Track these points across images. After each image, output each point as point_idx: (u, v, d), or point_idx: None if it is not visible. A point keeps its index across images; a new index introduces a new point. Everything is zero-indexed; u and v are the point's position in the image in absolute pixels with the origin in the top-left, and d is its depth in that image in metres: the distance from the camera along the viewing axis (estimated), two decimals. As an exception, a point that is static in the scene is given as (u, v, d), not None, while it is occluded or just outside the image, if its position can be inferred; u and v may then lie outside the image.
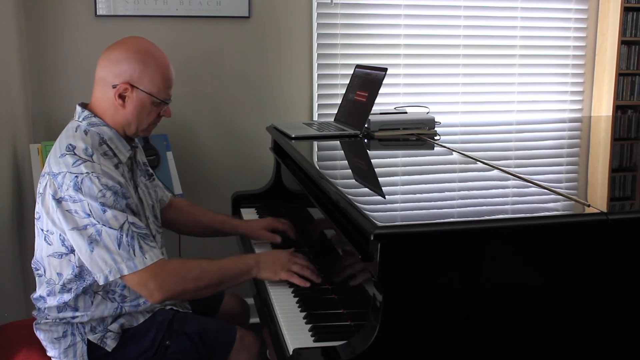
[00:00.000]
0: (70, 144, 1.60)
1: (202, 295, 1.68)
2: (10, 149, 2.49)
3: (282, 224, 2.07)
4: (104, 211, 1.54)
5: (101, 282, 1.55)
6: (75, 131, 1.65)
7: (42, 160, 2.48)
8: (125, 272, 1.54)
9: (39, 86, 2.87)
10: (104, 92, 1.67)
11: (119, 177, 1.61)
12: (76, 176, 1.54)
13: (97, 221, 1.53)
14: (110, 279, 1.55)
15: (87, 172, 1.55)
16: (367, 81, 2.35)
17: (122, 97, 1.66)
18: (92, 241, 1.53)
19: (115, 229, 1.54)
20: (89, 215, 1.53)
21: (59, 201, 1.55)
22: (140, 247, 1.55)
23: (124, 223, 1.55)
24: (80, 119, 1.68)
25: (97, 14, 2.87)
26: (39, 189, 1.63)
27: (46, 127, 2.89)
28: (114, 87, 1.65)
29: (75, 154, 1.58)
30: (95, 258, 1.54)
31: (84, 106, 1.71)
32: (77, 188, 1.54)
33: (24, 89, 2.76)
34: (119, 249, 1.53)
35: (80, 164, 1.56)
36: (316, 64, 3.17)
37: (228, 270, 1.67)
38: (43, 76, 2.88)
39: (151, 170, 1.96)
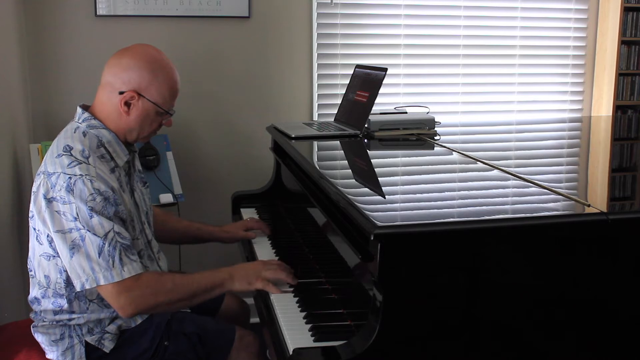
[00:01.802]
0: (68, 145, 1.60)
1: (175, 308, 1.68)
2: (10, 149, 2.49)
3: (255, 223, 2.13)
4: (91, 217, 1.53)
5: (78, 288, 1.55)
6: (74, 132, 1.64)
7: (42, 160, 2.47)
8: (102, 282, 1.53)
9: (39, 86, 2.87)
10: (109, 97, 1.67)
11: (113, 182, 1.61)
12: (69, 177, 1.54)
13: (83, 226, 1.52)
14: (87, 287, 1.54)
15: (80, 174, 1.54)
16: (367, 81, 2.35)
17: (127, 104, 1.65)
18: (74, 246, 1.53)
19: (99, 237, 1.53)
20: (75, 218, 1.52)
21: (49, 201, 1.55)
22: (120, 259, 1.54)
23: (109, 231, 1.54)
24: (80, 121, 1.68)
25: (97, 14, 2.87)
26: (33, 187, 1.63)
27: (46, 127, 2.89)
28: (121, 93, 1.65)
29: (71, 155, 1.57)
30: (74, 264, 1.53)
31: (85, 108, 1.71)
32: (69, 189, 1.53)
33: (24, 89, 2.76)
34: (99, 257, 1.53)
35: (75, 166, 1.55)
36: (316, 64, 3.17)
37: (201, 283, 1.65)
38: (43, 76, 2.88)
39: (145, 179, 1.96)
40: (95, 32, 2.89)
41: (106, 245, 1.53)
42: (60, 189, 1.54)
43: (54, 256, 1.60)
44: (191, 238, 2.13)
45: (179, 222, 2.13)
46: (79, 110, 1.70)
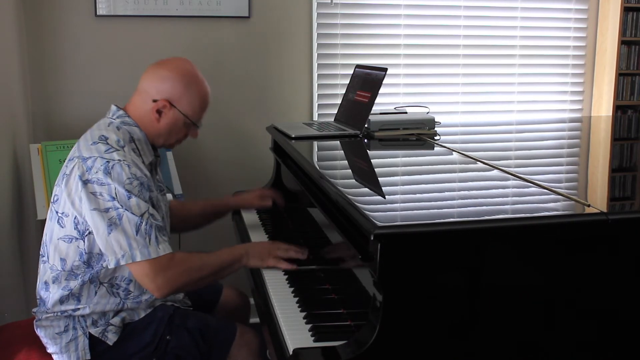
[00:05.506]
0: (103, 135, 1.67)
1: (201, 285, 1.74)
2: (10, 149, 2.49)
3: (271, 192, 2.24)
4: (129, 197, 1.59)
5: (111, 265, 1.59)
6: (108, 126, 1.72)
7: (42, 160, 2.48)
8: (138, 258, 1.57)
9: (39, 86, 2.87)
10: (144, 102, 1.76)
11: (146, 171, 1.68)
12: (107, 161, 1.61)
13: (121, 205, 1.58)
14: (122, 263, 1.58)
15: (119, 159, 1.62)
16: (367, 81, 2.35)
17: (159, 112, 1.75)
18: (112, 224, 1.57)
19: (136, 215, 1.59)
20: (113, 199, 1.58)
21: (85, 183, 1.60)
22: (156, 237, 1.61)
23: (145, 212, 1.60)
24: (113, 117, 1.76)
25: (97, 14, 2.87)
26: (65, 170, 1.68)
27: (46, 127, 2.89)
28: (154, 101, 1.74)
29: (107, 143, 1.65)
30: (111, 241, 1.57)
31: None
32: (107, 172, 1.59)
33: (24, 89, 2.76)
34: (137, 234, 1.58)
35: (112, 152, 1.63)
36: (316, 64, 3.17)
37: (224, 259, 1.73)
38: (43, 76, 2.88)
39: (163, 187, 2.00)
40: (95, 32, 2.89)
41: (143, 223, 1.59)
42: (97, 171, 1.59)
43: (77, 238, 1.64)
44: (211, 215, 2.22)
45: (194, 205, 2.22)
46: (113, 108, 1.78)
